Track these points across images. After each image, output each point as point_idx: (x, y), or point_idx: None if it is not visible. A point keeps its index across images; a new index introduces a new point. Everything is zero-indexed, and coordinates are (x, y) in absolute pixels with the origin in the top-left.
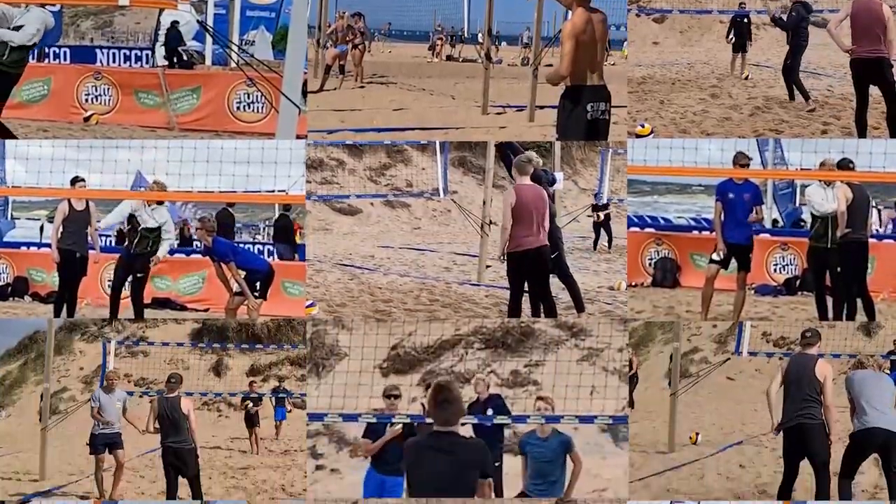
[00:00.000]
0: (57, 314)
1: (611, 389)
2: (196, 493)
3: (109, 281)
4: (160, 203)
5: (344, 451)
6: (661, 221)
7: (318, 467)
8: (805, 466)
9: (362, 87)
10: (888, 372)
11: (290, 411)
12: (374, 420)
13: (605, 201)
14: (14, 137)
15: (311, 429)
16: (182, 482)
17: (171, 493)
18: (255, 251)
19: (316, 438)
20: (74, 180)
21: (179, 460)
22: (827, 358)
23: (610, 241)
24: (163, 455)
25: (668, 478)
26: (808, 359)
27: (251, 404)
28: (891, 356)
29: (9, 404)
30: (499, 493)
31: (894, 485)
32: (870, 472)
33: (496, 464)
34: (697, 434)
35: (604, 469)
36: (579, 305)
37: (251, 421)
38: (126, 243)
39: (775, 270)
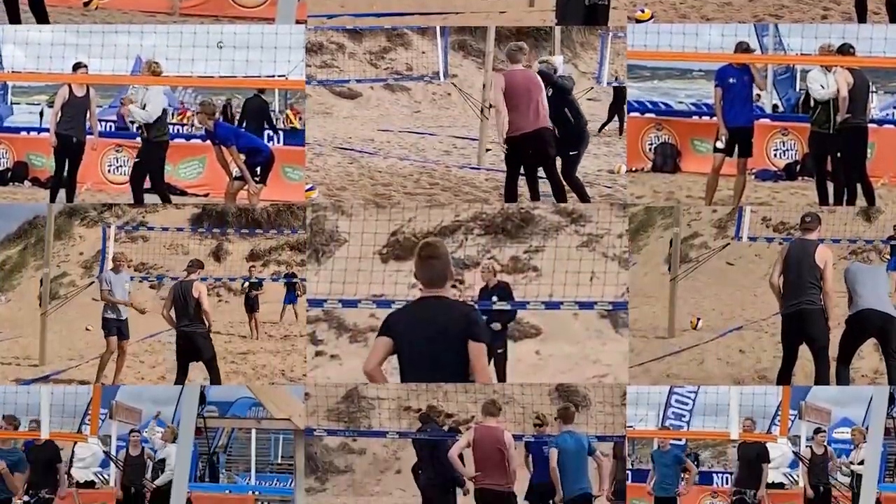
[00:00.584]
0: (53, 199)
1: (610, 275)
2: (214, 376)
3: (109, 166)
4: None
5: (343, 337)
6: (662, 107)
7: (318, 353)
8: (804, 352)
9: None
10: (888, 258)
11: (299, 295)
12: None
13: (615, 83)
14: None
15: (311, 314)
16: (198, 367)
17: (180, 378)
18: None
19: (316, 324)
20: (76, 66)
21: (191, 344)
22: (827, 243)
23: (621, 127)
24: (175, 340)
25: (667, 363)
26: (808, 244)
27: (251, 289)
28: (890, 241)
29: (8, 289)
30: (501, 377)
31: (894, 369)
32: (869, 357)
33: (499, 350)
34: (698, 319)
35: (603, 355)
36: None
37: (251, 306)
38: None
39: (776, 155)
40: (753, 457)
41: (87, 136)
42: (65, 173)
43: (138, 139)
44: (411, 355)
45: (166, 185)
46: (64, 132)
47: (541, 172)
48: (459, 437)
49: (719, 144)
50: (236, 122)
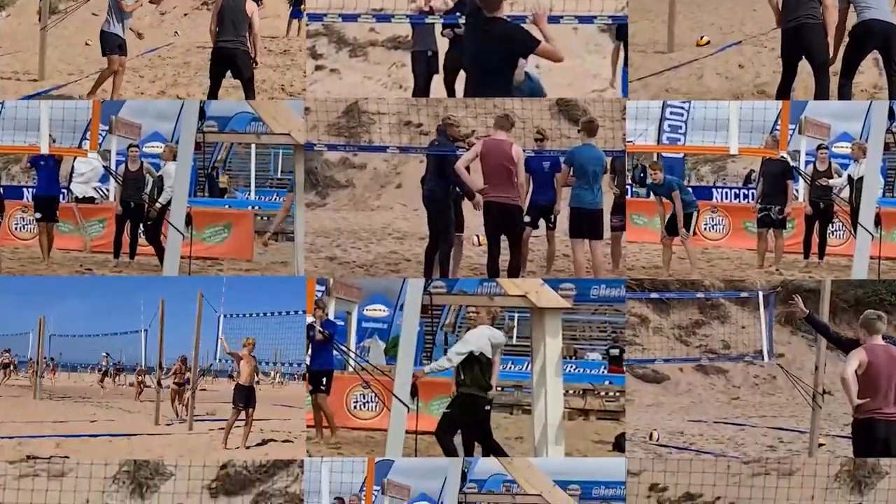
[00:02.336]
0: None
1: None
2: (249, 93)
3: None
4: None
5: (344, 51)
6: None
7: (318, 67)
8: (805, 66)
9: None
10: None
11: (304, 10)
12: (374, 20)
13: None
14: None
15: (311, 29)
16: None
17: (213, 93)
18: None
19: (315, 38)
20: None
21: (231, 62)
22: None
23: None
24: (213, 54)
25: (667, 78)
26: None
27: None
28: None
29: (8, 4)
30: None
31: (894, 83)
32: (869, 72)
33: None
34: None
35: (604, 69)
36: None
37: None
38: None
39: None
40: (778, 173)
41: None
42: None
43: None
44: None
45: None
46: None
47: None
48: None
49: None
50: None
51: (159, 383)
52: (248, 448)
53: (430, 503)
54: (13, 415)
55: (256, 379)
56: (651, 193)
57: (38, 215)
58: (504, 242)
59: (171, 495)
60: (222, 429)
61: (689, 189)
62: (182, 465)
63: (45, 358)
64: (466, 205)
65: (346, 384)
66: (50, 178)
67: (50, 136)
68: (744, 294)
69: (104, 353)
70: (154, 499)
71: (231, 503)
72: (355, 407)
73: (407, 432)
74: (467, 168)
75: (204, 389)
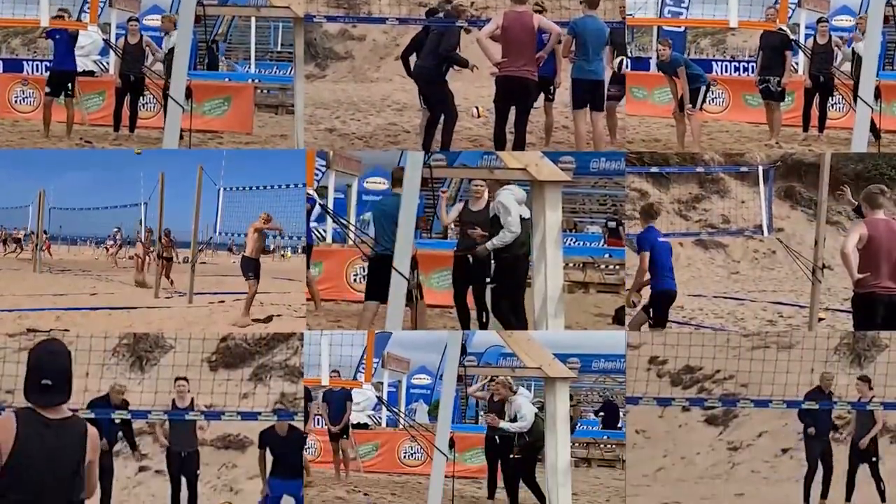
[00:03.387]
0: None
1: None
2: None
3: None
4: None
5: None
6: None
7: None
8: None
9: None
10: None
11: None
12: None
13: None
14: None
15: None
16: None
17: None
18: None
19: None
20: None
21: None
22: None
23: None
24: None
25: None
26: None
27: None
28: None
29: None
30: None
31: None
32: None
33: None
34: None
35: None
36: None
37: None
38: None
39: None
40: (777, 45)
41: None
42: None
43: None
44: None
45: None
46: None
47: None
48: (464, 26)
49: None
50: None
51: (159, 256)
52: (262, 321)
53: (430, 376)
54: (13, 288)
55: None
56: (659, 69)
57: (47, 89)
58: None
59: (170, 368)
60: (222, 301)
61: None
62: (182, 338)
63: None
64: (465, 75)
65: (346, 257)
66: (64, 52)
67: (62, 10)
68: (743, 168)
69: (115, 228)
70: (154, 371)
71: (231, 376)
72: (355, 280)
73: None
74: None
75: (204, 263)
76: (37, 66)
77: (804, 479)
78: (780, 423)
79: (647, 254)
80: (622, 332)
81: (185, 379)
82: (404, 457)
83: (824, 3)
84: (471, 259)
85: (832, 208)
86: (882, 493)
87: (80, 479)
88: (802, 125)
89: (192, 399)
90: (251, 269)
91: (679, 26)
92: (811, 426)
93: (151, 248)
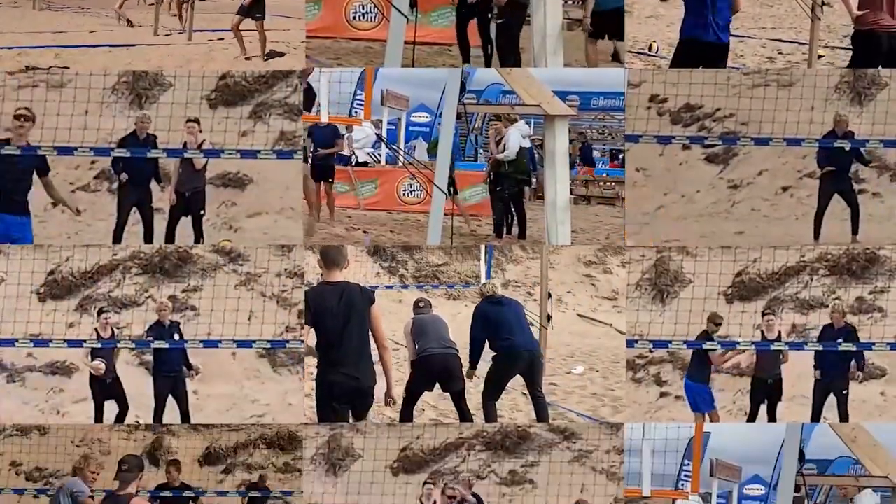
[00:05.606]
0: None
1: None
2: None
3: None
4: None
5: None
6: None
7: None
8: None
9: None
10: None
11: None
12: None
13: None
14: None
15: None
16: None
17: None
18: None
19: None
20: None
21: None
22: None
23: None
24: None
25: None
26: None
27: None
28: None
29: None
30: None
31: None
32: None
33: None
34: None
35: None
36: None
37: None
38: None
39: None
40: None
41: None
42: None
43: None
44: None
45: None
46: None
47: None
48: None
49: None
50: None
51: None
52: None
53: (430, 113)
54: (12, 25)
55: None
56: None
57: None
58: None
59: (169, 105)
60: (221, 39)
61: None
62: (181, 75)
63: None
64: None
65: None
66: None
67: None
68: None
69: None
70: (153, 109)
71: (230, 113)
72: (403, 195)
73: (406, 42)
74: None
75: None
76: None
77: (815, 215)
78: (781, 161)
79: None
80: (622, 70)
81: (197, 120)
82: (403, 194)
83: None
84: None
85: None
86: None
87: None
88: None
89: (204, 140)
90: (259, 9)
91: None
92: (825, 165)
93: None
